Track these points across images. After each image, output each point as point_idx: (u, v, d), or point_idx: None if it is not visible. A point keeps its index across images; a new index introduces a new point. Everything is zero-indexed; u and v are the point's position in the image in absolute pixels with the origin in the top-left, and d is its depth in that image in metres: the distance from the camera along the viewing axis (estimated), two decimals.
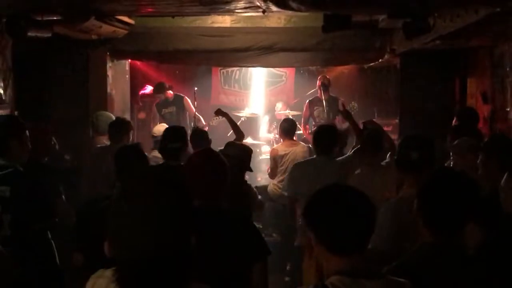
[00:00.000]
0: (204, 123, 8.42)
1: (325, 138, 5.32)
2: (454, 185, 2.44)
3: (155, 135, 6.80)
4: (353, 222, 2.08)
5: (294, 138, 7.20)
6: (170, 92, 8.63)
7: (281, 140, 7.24)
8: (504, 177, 3.83)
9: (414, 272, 2.26)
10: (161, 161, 5.07)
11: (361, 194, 2.16)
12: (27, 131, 3.83)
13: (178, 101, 8.63)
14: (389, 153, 5.17)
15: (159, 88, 8.63)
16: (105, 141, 6.20)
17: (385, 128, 7.06)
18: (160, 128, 6.75)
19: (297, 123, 7.55)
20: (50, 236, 3.87)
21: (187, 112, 8.66)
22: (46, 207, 3.74)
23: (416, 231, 2.54)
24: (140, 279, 1.69)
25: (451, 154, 4.77)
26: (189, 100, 8.67)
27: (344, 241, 2.08)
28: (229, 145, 4.89)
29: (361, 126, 5.77)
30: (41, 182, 3.77)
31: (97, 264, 1.98)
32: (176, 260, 1.72)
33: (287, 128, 6.97)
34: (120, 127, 5.83)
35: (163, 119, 8.49)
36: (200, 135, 5.80)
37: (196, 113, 8.51)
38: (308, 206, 2.17)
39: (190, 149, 5.10)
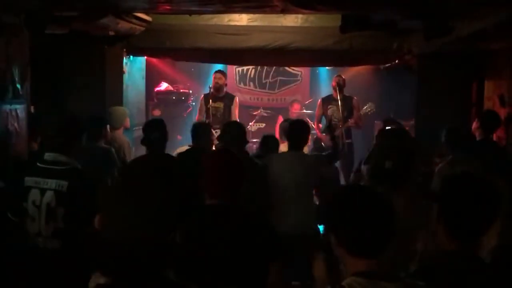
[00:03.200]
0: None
1: (298, 133, 5.31)
2: (476, 192, 2.41)
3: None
4: (373, 224, 2.07)
5: None
6: (225, 86, 8.40)
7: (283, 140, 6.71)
8: None
9: (434, 278, 2.24)
10: None
11: (381, 197, 2.14)
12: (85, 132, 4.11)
13: (228, 99, 8.31)
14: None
15: (222, 72, 8.47)
16: (120, 135, 6.30)
17: None
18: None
19: (310, 122, 7.49)
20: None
21: (232, 114, 8.32)
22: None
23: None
24: (117, 259, 1.69)
25: None
26: (238, 103, 8.45)
27: (363, 243, 2.08)
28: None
29: (381, 125, 5.76)
30: (95, 183, 3.90)
31: None
32: (152, 248, 1.72)
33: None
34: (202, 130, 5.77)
35: (207, 113, 8.18)
36: (203, 129, 5.76)
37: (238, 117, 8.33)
38: (328, 208, 2.16)
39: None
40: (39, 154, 4.06)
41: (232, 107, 8.29)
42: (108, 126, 5.94)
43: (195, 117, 8.40)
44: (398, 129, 5.84)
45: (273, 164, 5.08)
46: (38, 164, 3.84)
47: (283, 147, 6.85)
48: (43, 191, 3.71)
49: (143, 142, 5.14)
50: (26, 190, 3.75)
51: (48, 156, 3.83)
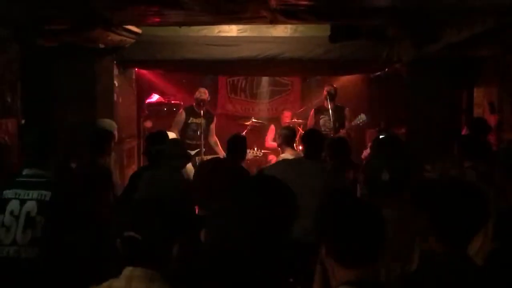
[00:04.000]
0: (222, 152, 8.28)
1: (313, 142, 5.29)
2: (464, 197, 2.42)
3: None
4: (362, 234, 2.07)
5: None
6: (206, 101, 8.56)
7: (282, 148, 6.52)
8: None
9: (425, 283, 2.24)
10: None
11: (371, 206, 2.14)
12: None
13: (208, 117, 8.52)
14: None
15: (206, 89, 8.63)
16: None
17: None
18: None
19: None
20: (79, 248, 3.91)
21: (210, 131, 8.58)
22: (81, 219, 3.84)
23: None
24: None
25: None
26: (215, 122, 8.71)
27: (352, 253, 2.07)
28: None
29: (374, 134, 5.76)
30: (79, 195, 3.90)
31: None
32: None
33: (290, 136, 6.51)
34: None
35: (186, 128, 8.40)
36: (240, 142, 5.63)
37: (216, 138, 8.53)
38: (318, 218, 2.16)
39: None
40: (18, 170, 4.04)
41: (211, 125, 8.54)
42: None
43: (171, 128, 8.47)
44: (392, 137, 5.82)
45: (286, 171, 5.03)
46: (17, 179, 3.79)
47: (288, 154, 6.79)
48: (23, 202, 3.67)
49: (145, 153, 5.33)
50: (4, 202, 3.68)
51: (27, 171, 3.80)
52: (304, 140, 5.43)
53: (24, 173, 3.81)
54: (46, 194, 3.67)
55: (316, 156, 5.25)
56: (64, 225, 3.69)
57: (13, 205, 3.67)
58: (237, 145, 5.35)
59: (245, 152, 5.49)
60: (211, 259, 1.72)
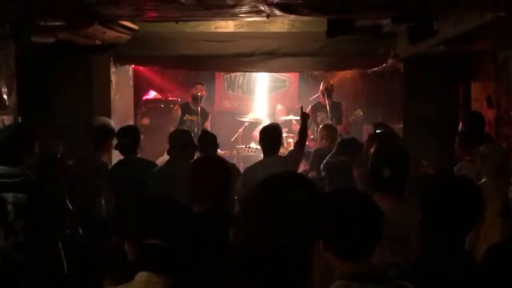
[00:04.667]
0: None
1: (272, 138, 5.27)
2: (457, 192, 2.41)
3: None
4: (359, 227, 2.06)
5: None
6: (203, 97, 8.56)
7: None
8: None
9: (419, 278, 2.24)
10: None
11: (369, 199, 2.14)
12: (37, 140, 3.91)
13: (203, 114, 8.49)
14: None
15: (203, 85, 8.62)
16: None
17: None
18: None
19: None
20: (61, 247, 3.88)
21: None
22: (58, 217, 3.80)
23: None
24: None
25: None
26: (210, 120, 8.75)
27: (350, 247, 2.07)
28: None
29: (371, 130, 5.76)
30: (55, 192, 3.87)
31: None
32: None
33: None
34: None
35: (181, 125, 8.33)
36: (209, 139, 5.75)
37: None
38: (315, 213, 2.15)
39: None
40: None
41: (206, 122, 8.55)
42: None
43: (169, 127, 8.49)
44: (388, 132, 5.84)
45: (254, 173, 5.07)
46: None
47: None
48: (1, 206, 3.59)
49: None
50: None
51: (1, 169, 3.69)
52: (260, 137, 5.40)
53: None
54: (22, 197, 3.60)
55: (273, 152, 5.25)
56: (43, 227, 3.65)
57: None
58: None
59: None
60: (249, 261, 1.67)
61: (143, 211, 2.25)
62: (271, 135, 5.30)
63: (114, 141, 5.49)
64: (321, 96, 8.52)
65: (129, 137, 5.31)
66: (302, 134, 5.67)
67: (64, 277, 3.86)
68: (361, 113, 8.78)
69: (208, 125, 8.62)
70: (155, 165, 5.50)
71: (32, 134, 3.94)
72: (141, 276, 2.12)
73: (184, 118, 8.40)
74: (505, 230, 4.07)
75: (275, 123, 6.22)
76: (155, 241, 2.13)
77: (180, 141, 5.17)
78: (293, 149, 5.57)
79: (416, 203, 2.62)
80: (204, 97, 8.51)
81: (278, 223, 1.67)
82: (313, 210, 1.75)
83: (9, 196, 3.60)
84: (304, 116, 5.84)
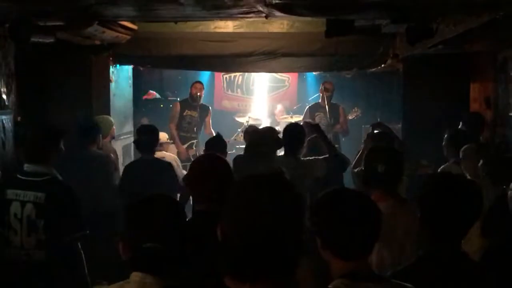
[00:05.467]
0: None
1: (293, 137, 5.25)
2: (455, 191, 2.42)
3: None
4: (358, 227, 2.07)
5: None
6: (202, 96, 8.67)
7: None
8: None
9: (418, 278, 2.25)
10: None
11: (367, 199, 2.14)
12: (62, 139, 4.00)
13: (203, 110, 8.68)
14: None
15: (201, 83, 8.74)
16: (107, 144, 6.31)
17: None
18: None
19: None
20: (80, 247, 3.90)
21: (205, 124, 8.77)
22: (78, 217, 3.83)
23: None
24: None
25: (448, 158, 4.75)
26: (211, 114, 8.88)
27: (348, 246, 2.08)
28: None
29: (370, 130, 5.76)
30: (76, 192, 3.89)
31: None
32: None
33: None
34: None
35: (181, 120, 8.53)
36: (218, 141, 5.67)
37: (212, 130, 8.58)
38: (313, 211, 2.16)
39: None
40: (19, 166, 4.04)
41: (207, 118, 8.73)
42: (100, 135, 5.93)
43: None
44: (386, 133, 5.85)
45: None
46: (18, 176, 3.83)
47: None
48: (23, 204, 3.69)
49: (136, 143, 5.52)
50: (8, 203, 3.72)
51: (27, 167, 3.80)
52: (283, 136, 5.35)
53: (24, 169, 3.82)
54: (41, 196, 3.68)
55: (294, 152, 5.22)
56: (62, 227, 3.70)
57: (15, 207, 3.71)
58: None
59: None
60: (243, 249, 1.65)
61: (140, 213, 2.24)
62: (292, 135, 5.27)
63: (116, 140, 5.55)
64: (321, 95, 8.55)
65: (149, 134, 5.41)
66: (327, 144, 5.51)
67: (83, 277, 3.88)
68: (359, 111, 8.84)
69: (209, 120, 8.68)
70: (171, 166, 5.56)
71: (59, 133, 4.05)
72: (135, 276, 2.12)
73: (184, 113, 8.51)
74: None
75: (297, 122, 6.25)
76: (151, 245, 2.12)
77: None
78: (324, 157, 5.37)
79: (415, 203, 2.63)
80: (202, 95, 8.62)
81: (249, 222, 1.65)
82: (288, 211, 1.72)
83: (31, 195, 3.68)
84: (315, 127, 5.76)
